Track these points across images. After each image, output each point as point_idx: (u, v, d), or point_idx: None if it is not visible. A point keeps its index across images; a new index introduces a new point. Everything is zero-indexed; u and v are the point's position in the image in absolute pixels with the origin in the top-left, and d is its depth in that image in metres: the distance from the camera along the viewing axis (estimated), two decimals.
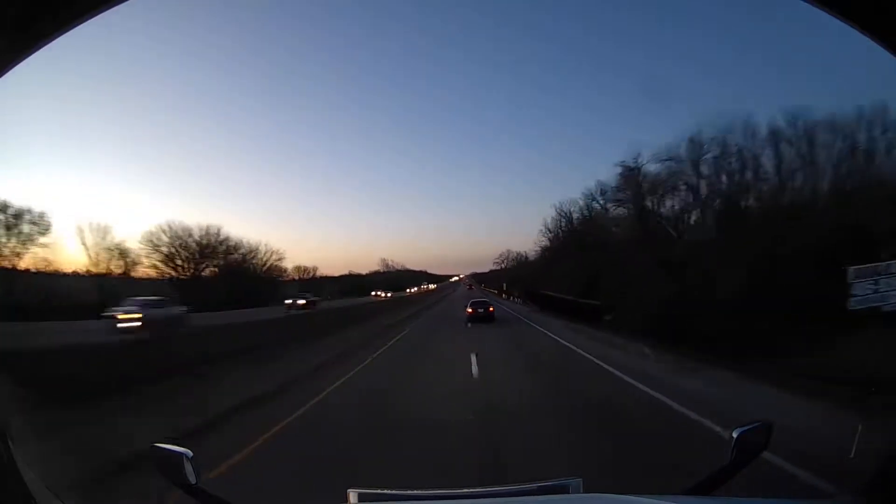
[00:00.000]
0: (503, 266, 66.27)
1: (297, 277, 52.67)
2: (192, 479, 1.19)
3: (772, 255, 13.54)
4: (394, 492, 1.40)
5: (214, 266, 38.77)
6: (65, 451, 4.30)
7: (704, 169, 20.43)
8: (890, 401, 5.57)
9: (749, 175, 19.10)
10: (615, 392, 8.04)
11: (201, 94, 76.42)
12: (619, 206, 27.32)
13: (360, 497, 1.34)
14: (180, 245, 36.25)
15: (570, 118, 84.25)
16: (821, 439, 4.70)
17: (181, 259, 36.21)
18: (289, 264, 51.11)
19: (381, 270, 79.71)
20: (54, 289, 22.89)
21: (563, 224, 37.39)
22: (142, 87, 68.69)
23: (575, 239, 32.78)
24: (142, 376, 7.65)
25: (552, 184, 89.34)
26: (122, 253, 32.60)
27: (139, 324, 15.20)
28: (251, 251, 41.71)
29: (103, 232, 31.53)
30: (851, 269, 9.19)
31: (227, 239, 39.18)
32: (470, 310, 23.48)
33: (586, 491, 1.36)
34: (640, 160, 24.08)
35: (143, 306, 16.63)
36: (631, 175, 24.94)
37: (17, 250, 24.43)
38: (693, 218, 21.60)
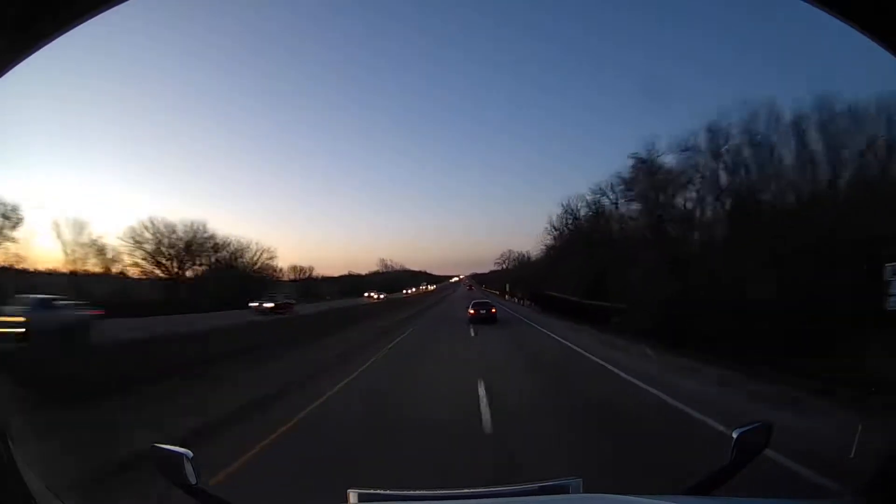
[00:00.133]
0: (504, 267, 65.84)
1: (293, 277, 52.21)
2: (192, 480, 1.20)
3: (800, 250, 12.80)
4: (393, 492, 1.40)
5: (201, 264, 37.37)
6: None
7: (723, 161, 19.39)
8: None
9: (768, 167, 18.02)
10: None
11: (201, 94, 76.78)
12: (629, 200, 26.17)
13: (360, 497, 1.34)
14: (164, 242, 34.79)
15: (571, 118, 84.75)
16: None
17: (165, 257, 34.88)
18: (285, 264, 50.17)
19: (381, 271, 79.84)
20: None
21: (569, 221, 36.31)
22: (142, 87, 69.00)
23: (582, 236, 31.73)
24: None
25: (552, 184, 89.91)
26: (100, 250, 30.97)
27: (21, 330, 11.85)
28: (240, 249, 40.25)
29: (80, 227, 30.18)
30: (889, 266, 8.44)
31: (213, 236, 37.73)
32: (472, 311, 22.96)
33: (586, 491, 1.36)
34: (653, 152, 23.09)
35: (33, 308, 13.24)
36: (644, 167, 23.77)
37: None
38: (709, 212, 20.34)
